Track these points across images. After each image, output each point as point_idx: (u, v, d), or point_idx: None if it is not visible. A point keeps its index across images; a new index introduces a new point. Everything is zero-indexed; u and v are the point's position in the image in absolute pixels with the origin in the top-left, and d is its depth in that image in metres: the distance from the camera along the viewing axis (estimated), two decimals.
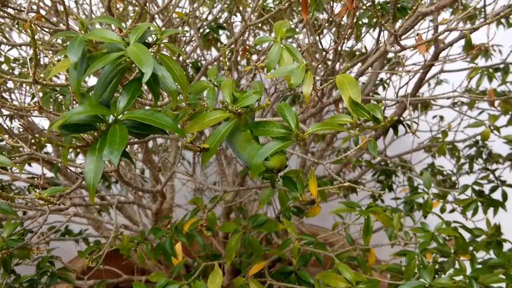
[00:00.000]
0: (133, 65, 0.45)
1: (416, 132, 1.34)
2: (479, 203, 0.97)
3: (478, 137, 1.38)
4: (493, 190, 1.18)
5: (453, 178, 1.47)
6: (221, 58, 1.11)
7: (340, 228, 1.14)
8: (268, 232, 1.13)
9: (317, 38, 0.82)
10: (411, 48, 0.79)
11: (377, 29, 1.42)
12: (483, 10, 1.22)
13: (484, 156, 1.41)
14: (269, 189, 0.87)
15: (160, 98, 0.76)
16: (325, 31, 1.36)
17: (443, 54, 1.12)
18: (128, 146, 1.57)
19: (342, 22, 1.15)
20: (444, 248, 0.87)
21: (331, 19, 1.07)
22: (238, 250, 0.82)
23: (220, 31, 1.35)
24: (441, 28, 0.96)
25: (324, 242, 1.08)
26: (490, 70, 1.24)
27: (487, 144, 1.42)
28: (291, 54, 0.60)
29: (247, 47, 1.18)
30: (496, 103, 0.91)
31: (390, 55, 1.50)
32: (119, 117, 0.42)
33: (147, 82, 0.43)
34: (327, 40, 1.52)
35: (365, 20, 1.27)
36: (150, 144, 1.53)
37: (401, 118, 1.22)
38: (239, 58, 1.36)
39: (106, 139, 0.40)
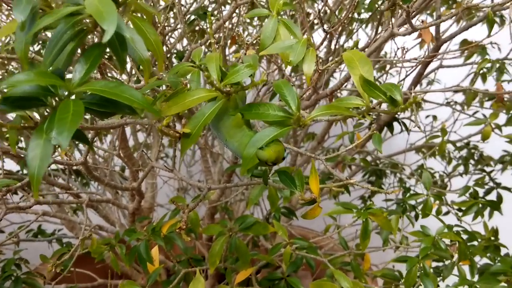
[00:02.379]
0: (98, 28, 0.36)
1: (410, 132, 1.27)
2: (480, 206, 0.90)
3: (471, 138, 1.32)
4: (488, 192, 1.12)
5: (445, 180, 1.41)
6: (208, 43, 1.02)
7: (333, 231, 1.06)
8: (256, 235, 1.05)
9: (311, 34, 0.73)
10: (416, 37, 0.72)
11: (370, 24, 1.35)
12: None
13: (475, 158, 1.36)
14: (259, 187, 0.78)
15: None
16: (316, 26, 1.29)
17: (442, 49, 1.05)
18: (104, 136, 1.47)
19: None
20: (446, 253, 0.80)
21: (323, 13, 0.99)
22: (223, 255, 0.73)
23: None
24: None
25: (316, 246, 1.01)
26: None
27: (478, 146, 1.37)
28: (289, 30, 0.52)
29: (236, 36, 1.09)
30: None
31: (382, 52, 1.43)
32: (74, 90, 0.33)
33: (112, 45, 0.34)
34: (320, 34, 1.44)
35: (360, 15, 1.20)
36: (132, 142, 1.43)
37: (396, 116, 1.15)
38: (227, 52, 1.28)
39: (55, 117, 0.31)
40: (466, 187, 0.92)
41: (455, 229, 0.85)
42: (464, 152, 1.38)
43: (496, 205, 0.89)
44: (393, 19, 0.66)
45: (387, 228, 0.75)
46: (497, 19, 1.31)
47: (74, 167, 1.24)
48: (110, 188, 0.94)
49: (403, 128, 1.15)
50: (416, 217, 0.96)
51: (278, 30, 0.51)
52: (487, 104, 1.30)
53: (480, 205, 0.88)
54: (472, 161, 1.29)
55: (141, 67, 0.39)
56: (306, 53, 0.47)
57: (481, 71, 1.27)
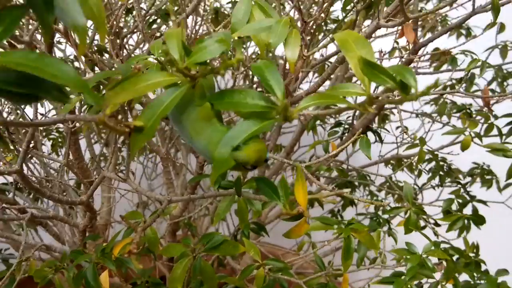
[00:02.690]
0: None
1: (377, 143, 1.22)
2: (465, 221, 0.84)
3: (445, 149, 1.28)
4: (463, 205, 1.07)
5: (417, 193, 1.37)
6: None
7: (307, 249, 0.98)
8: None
9: None
10: (398, 36, 0.66)
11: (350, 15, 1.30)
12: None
13: (445, 170, 1.32)
14: (227, 200, 0.69)
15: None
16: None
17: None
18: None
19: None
20: (432, 273, 0.73)
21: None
22: (186, 278, 0.63)
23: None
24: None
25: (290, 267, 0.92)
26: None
27: (446, 158, 1.33)
28: (265, 13, 0.43)
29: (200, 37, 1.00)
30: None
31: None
32: None
33: (32, 4, 0.25)
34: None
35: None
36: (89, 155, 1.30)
37: (370, 125, 1.09)
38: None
39: None
40: (449, 200, 0.86)
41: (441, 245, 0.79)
42: (432, 165, 1.34)
43: (481, 220, 0.84)
44: (379, 10, 0.59)
45: (370, 246, 0.68)
46: (463, 31, 1.29)
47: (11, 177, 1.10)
48: (54, 201, 0.82)
49: (377, 139, 1.09)
50: (389, 233, 0.90)
51: (252, 13, 0.43)
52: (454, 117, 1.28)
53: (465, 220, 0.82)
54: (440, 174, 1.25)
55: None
56: (289, 35, 0.38)
57: (450, 82, 1.25)
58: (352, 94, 0.34)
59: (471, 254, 0.92)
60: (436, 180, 1.32)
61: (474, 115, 1.13)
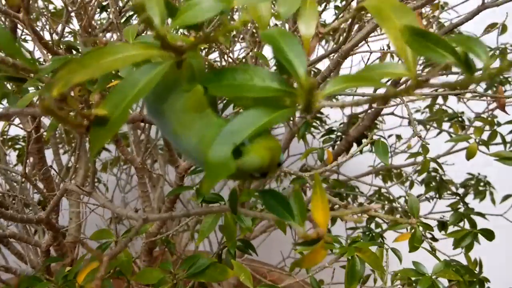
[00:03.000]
0: None
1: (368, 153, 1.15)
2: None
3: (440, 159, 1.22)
4: (469, 219, 1.01)
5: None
6: None
7: (299, 271, 0.89)
8: None
9: None
10: None
11: None
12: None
13: (437, 181, 1.26)
14: (212, 216, 0.59)
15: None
16: None
17: None
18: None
19: None
20: None
21: None
22: None
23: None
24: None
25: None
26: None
27: (438, 169, 1.27)
28: None
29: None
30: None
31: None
32: None
33: None
34: None
35: None
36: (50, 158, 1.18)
37: (365, 133, 1.01)
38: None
39: None
40: (457, 214, 0.78)
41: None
42: (424, 176, 1.28)
43: (490, 236, 0.76)
44: None
45: (376, 267, 0.59)
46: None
47: None
48: (11, 221, 0.70)
49: (372, 148, 1.02)
50: (393, 251, 0.81)
51: None
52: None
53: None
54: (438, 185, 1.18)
55: None
56: (303, 3, 0.30)
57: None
58: (392, 75, 0.25)
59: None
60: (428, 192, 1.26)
61: (472, 122, 1.07)
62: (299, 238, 0.28)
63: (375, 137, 0.91)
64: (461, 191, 1.22)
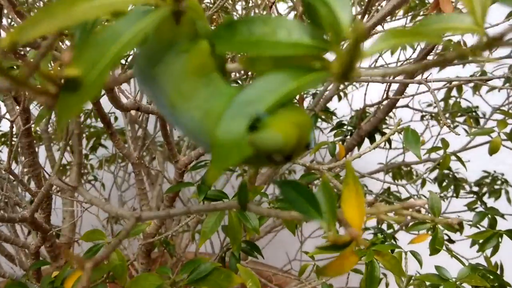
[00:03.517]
0: None
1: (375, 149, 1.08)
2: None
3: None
4: (493, 220, 0.95)
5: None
6: None
7: (309, 274, 0.83)
8: None
9: None
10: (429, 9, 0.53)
11: None
12: None
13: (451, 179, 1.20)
14: (216, 214, 0.54)
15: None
16: None
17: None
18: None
19: None
20: None
21: None
22: None
23: None
24: None
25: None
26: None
27: (451, 167, 1.21)
28: None
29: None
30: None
31: None
32: None
33: None
34: None
35: None
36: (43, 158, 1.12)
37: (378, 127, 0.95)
38: None
39: None
40: (482, 214, 0.72)
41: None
42: (435, 173, 1.22)
43: None
44: None
45: (397, 272, 0.53)
46: None
47: None
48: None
49: (385, 142, 0.96)
50: (413, 254, 0.75)
51: None
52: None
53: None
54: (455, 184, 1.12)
55: None
56: None
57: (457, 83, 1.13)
58: (456, 30, 0.19)
59: None
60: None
61: (490, 115, 1.02)
62: (327, 241, 0.22)
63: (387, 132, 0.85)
64: (475, 189, 1.16)
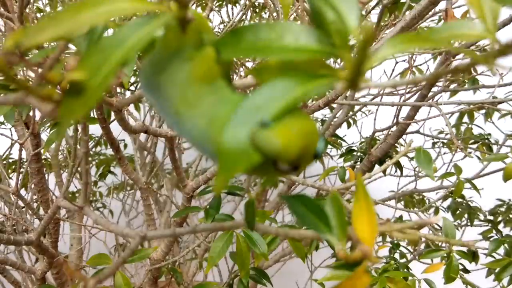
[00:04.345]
0: None
1: (388, 176, 1.07)
2: None
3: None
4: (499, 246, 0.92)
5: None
6: None
7: None
8: None
9: None
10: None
11: None
12: None
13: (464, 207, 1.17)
14: (223, 239, 0.53)
15: None
16: None
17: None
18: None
19: None
20: None
21: None
22: None
23: None
24: None
25: None
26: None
27: (465, 195, 1.19)
28: None
29: None
30: None
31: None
32: None
33: None
34: None
35: None
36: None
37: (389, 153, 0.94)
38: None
39: None
40: (498, 241, 0.70)
41: None
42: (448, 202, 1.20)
43: None
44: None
45: None
46: None
47: None
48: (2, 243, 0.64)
49: (396, 169, 0.94)
50: (427, 282, 0.73)
51: None
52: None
53: None
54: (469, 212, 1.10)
55: None
56: None
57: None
58: (467, 38, 0.19)
59: None
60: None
61: (503, 142, 1.00)
62: (341, 258, 0.21)
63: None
64: (490, 218, 1.13)
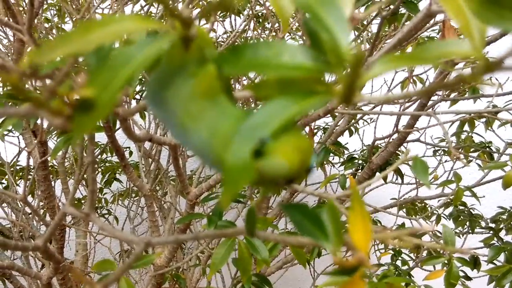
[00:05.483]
0: None
1: (389, 184, 1.08)
2: None
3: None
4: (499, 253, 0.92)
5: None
6: None
7: None
8: None
9: None
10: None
11: None
12: None
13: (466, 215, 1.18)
14: (225, 245, 0.53)
15: None
16: None
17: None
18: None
19: None
20: None
21: None
22: None
23: None
24: None
25: None
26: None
27: (466, 203, 1.19)
28: None
29: None
30: None
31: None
32: None
33: None
34: None
35: None
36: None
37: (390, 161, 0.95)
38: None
39: None
40: (497, 248, 0.71)
41: None
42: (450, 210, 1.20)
43: None
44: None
45: None
46: None
47: None
48: (10, 249, 0.65)
49: (397, 177, 0.95)
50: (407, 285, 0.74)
51: None
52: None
53: None
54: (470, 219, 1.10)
55: None
56: None
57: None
58: (454, 55, 0.20)
59: None
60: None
61: (503, 150, 1.01)
62: (336, 264, 0.22)
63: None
64: (491, 225, 1.14)
